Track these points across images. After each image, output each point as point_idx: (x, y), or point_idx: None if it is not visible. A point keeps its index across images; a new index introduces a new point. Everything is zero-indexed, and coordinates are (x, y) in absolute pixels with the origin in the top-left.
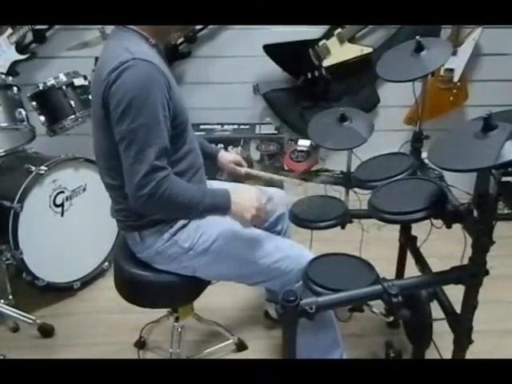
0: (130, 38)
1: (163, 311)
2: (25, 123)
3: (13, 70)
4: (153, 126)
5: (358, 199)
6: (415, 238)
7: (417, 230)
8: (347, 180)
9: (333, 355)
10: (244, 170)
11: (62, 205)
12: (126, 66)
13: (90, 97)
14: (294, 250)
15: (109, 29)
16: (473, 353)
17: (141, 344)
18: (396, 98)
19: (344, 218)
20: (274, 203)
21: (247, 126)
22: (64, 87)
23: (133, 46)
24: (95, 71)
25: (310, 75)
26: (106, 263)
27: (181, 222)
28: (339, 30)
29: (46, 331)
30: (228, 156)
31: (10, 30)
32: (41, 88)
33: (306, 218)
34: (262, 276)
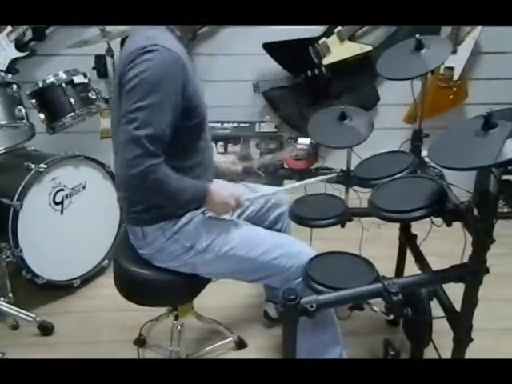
0: (157, 29)
1: (163, 309)
2: (24, 121)
3: (12, 67)
4: (156, 112)
5: (358, 197)
6: (415, 236)
7: (417, 228)
8: (347, 178)
9: (332, 352)
10: (239, 167)
11: (61, 202)
12: (146, 50)
13: (90, 94)
14: (294, 247)
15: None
16: (473, 351)
17: (140, 342)
18: (396, 96)
19: (344, 216)
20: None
21: (247, 124)
22: (64, 85)
23: (157, 34)
24: (119, 57)
25: (309, 73)
26: (106, 261)
27: (183, 221)
28: (339, 28)
29: (46, 329)
30: (225, 160)
31: (9, 28)
32: (40, 86)
33: (305, 216)
34: (262, 272)
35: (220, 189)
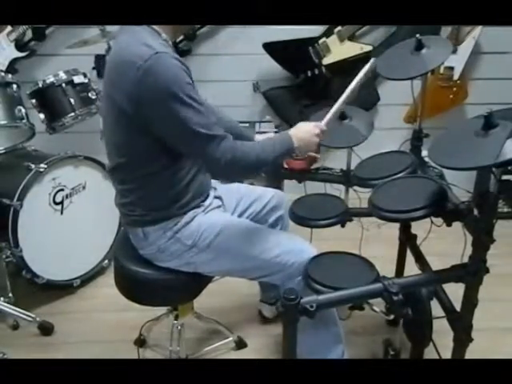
0: (145, 33)
1: (163, 309)
2: (24, 121)
3: (12, 67)
4: (197, 108)
5: (358, 197)
6: (415, 236)
7: (417, 228)
8: (347, 178)
9: (334, 351)
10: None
11: (61, 203)
12: (151, 63)
13: (90, 94)
14: (295, 244)
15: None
16: (472, 351)
17: (141, 342)
18: (396, 96)
19: (344, 216)
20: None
21: (247, 124)
22: (63, 85)
23: (150, 41)
24: (112, 67)
25: (309, 73)
26: (106, 261)
27: (184, 220)
28: (339, 28)
29: (46, 329)
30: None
31: (9, 28)
32: (40, 86)
33: (305, 216)
34: (264, 270)
35: (299, 127)
